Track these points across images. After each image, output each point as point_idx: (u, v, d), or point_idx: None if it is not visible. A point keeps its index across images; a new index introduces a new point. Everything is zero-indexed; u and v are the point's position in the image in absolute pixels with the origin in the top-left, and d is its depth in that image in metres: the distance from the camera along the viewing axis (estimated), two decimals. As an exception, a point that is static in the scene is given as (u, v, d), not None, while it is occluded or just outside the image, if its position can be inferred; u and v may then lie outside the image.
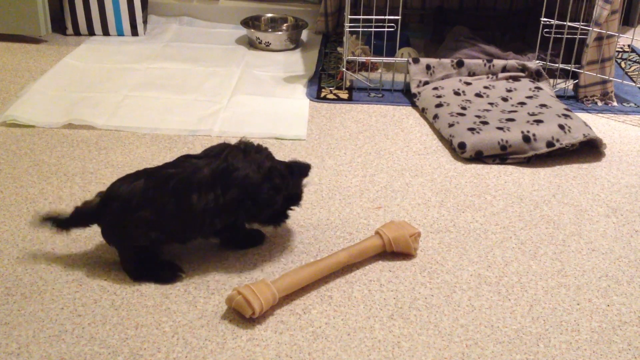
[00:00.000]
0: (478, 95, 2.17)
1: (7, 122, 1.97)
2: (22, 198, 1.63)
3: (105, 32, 2.70)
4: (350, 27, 2.22)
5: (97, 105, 2.10)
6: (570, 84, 2.29)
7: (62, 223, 1.36)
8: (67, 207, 1.59)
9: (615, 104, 2.26)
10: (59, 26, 2.69)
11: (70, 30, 2.69)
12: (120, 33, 2.70)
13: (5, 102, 2.10)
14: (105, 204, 1.33)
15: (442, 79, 2.26)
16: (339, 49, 2.60)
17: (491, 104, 2.11)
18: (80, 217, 1.35)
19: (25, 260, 1.41)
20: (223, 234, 1.43)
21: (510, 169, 1.85)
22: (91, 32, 2.69)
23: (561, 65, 2.28)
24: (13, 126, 1.97)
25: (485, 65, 2.28)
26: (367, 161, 1.86)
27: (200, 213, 1.31)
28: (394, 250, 1.45)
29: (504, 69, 2.28)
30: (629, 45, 2.75)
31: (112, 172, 1.75)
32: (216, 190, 1.31)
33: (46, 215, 1.36)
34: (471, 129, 1.92)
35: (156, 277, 1.35)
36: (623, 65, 2.59)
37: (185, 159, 1.38)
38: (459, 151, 1.89)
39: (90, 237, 1.48)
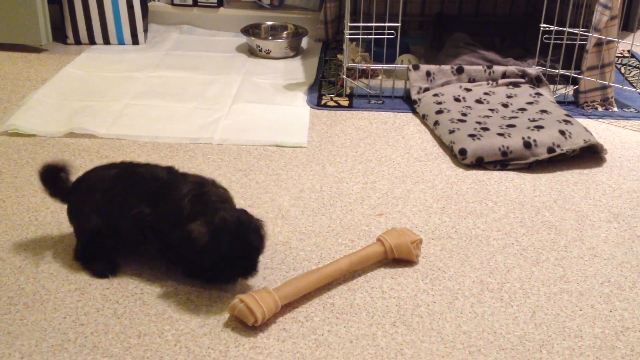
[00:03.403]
0: (478, 101, 2.17)
1: (9, 132, 1.98)
2: (23, 207, 1.63)
3: (106, 41, 2.70)
4: (350, 34, 2.23)
5: (98, 114, 2.10)
6: (570, 90, 2.29)
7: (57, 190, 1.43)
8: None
9: (615, 109, 2.26)
10: (59, 35, 2.69)
11: (71, 39, 2.69)
12: (121, 42, 2.71)
13: (6, 112, 2.11)
14: (77, 185, 1.41)
15: (442, 85, 2.26)
16: (339, 56, 2.60)
17: (491, 110, 2.11)
18: (57, 184, 1.42)
19: (28, 269, 1.41)
20: None
21: (511, 175, 1.85)
22: (92, 41, 2.70)
23: (561, 71, 2.29)
24: (14, 135, 1.97)
25: (485, 71, 2.28)
26: (368, 168, 1.86)
27: (132, 221, 1.34)
28: (396, 257, 1.45)
29: (504, 75, 2.28)
30: (628, 51, 2.76)
31: (113, 180, 1.75)
32: (151, 207, 1.33)
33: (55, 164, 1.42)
34: (472, 135, 1.92)
35: (90, 266, 1.39)
36: (623, 70, 2.59)
37: (163, 169, 1.41)
38: (459, 157, 1.89)
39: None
